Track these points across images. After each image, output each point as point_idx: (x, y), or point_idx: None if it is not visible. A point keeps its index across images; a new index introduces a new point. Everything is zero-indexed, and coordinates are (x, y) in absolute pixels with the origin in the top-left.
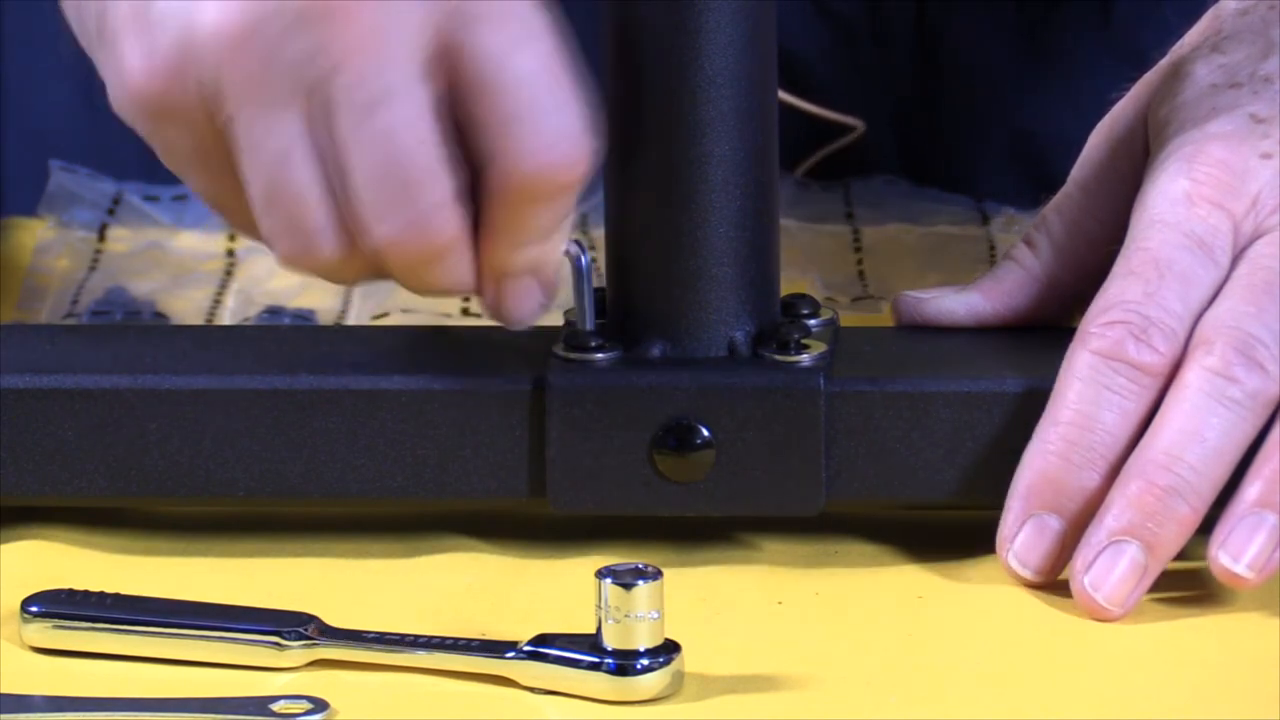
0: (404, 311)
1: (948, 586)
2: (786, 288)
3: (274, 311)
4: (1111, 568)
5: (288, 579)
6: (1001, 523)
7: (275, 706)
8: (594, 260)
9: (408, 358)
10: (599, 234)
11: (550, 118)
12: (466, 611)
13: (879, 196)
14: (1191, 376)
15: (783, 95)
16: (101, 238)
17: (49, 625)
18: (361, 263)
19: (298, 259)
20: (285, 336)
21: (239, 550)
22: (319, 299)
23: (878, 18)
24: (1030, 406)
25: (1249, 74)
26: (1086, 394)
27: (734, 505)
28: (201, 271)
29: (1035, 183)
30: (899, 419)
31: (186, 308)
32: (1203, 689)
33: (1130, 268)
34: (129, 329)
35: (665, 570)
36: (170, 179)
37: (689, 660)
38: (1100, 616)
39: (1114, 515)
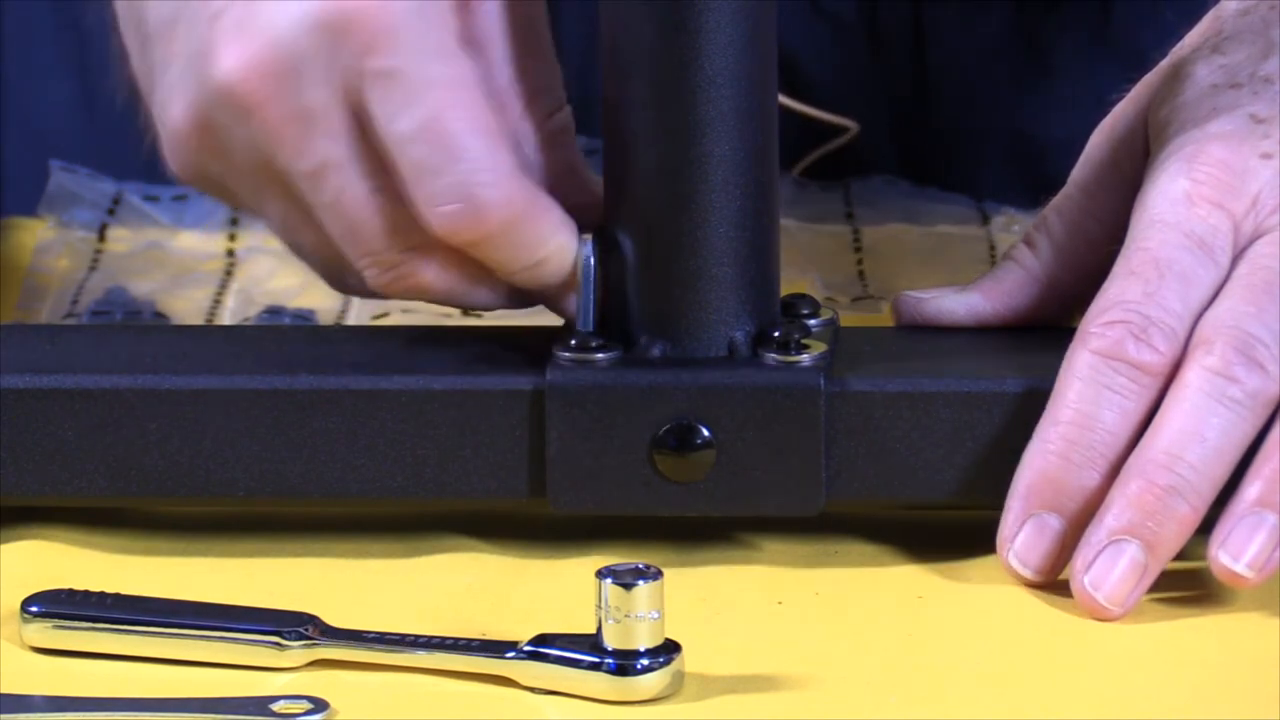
0: (404, 311)
1: (948, 586)
2: (786, 288)
3: (274, 311)
4: (1112, 567)
5: (288, 579)
6: (1002, 522)
7: (275, 706)
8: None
9: (408, 358)
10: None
11: (434, 180)
12: (466, 611)
13: (879, 196)
14: (1191, 376)
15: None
16: (101, 238)
17: (49, 625)
18: (445, 262)
19: (382, 272)
20: (285, 336)
21: (239, 550)
22: (319, 299)
23: (875, 18)
24: (1030, 406)
25: (1249, 74)
26: (1087, 393)
27: (734, 505)
28: (201, 271)
29: (1034, 183)
30: (899, 419)
31: (186, 308)
32: (1203, 689)
33: (1130, 268)
34: (129, 329)
35: (665, 570)
36: (171, 179)
37: (689, 660)
38: (1100, 616)
39: (1114, 515)
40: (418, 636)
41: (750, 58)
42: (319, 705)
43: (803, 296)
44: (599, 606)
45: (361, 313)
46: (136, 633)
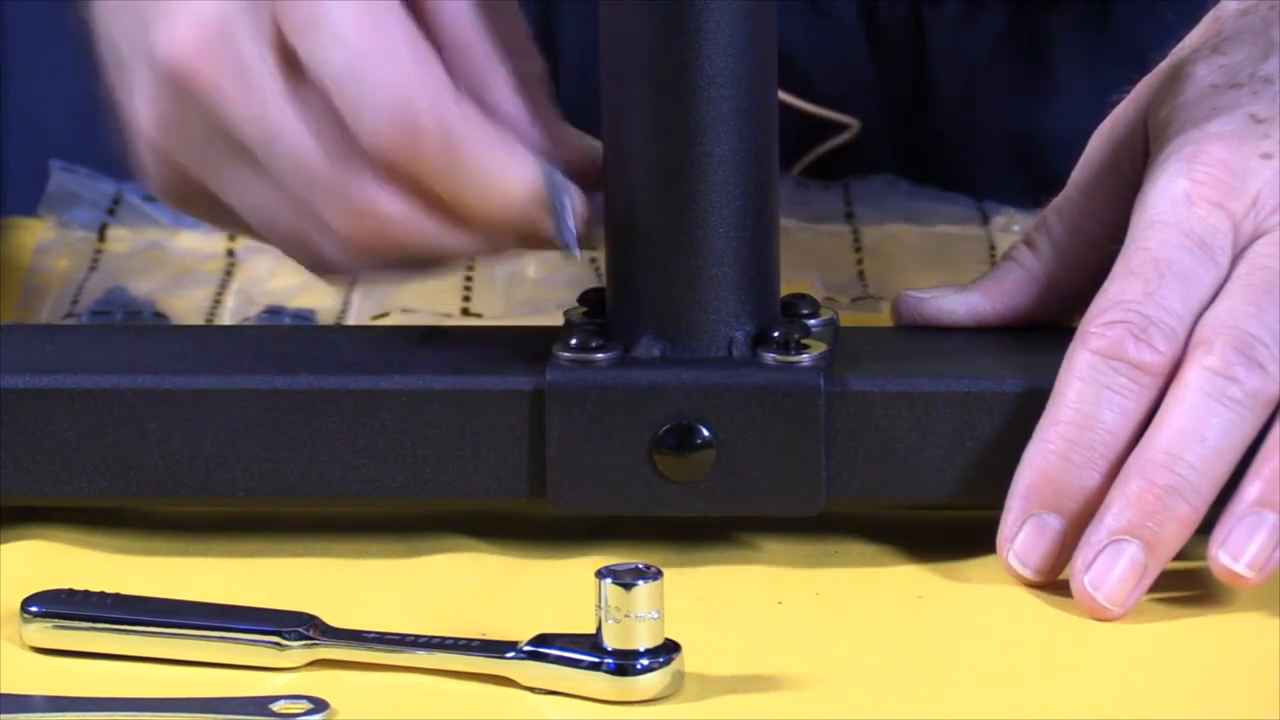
0: (404, 311)
1: (948, 586)
2: (786, 288)
3: (274, 311)
4: (1112, 567)
5: (288, 579)
6: (1002, 522)
7: (275, 706)
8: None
9: (408, 358)
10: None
11: (368, 107)
12: (466, 611)
13: (879, 196)
14: (1191, 376)
15: (780, 94)
16: (101, 238)
17: (49, 625)
18: (406, 196)
19: (345, 214)
20: (285, 336)
21: (239, 550)
22: (319, 299)
23: (874, 17)
24: (1030, 406)
25: (1249, 74)
26: (1087, 393)
27: (734, 505)
28: (201, 271)
29: (1035, 182)
30: (899, 419)
31: (186, 308)
32: (1203, 689)
33: (1130, 268)
34: (129, 329)
35: (665, 570)
36: None
37: (689, 660)
38: (1100, 616)
39: (1114, 514)
40: (418, 636)
41: (750, 58)
42: (319, 705)
43: (803, 296)
44: (599, 606)
45: (361, 313)
46: (136, 633)
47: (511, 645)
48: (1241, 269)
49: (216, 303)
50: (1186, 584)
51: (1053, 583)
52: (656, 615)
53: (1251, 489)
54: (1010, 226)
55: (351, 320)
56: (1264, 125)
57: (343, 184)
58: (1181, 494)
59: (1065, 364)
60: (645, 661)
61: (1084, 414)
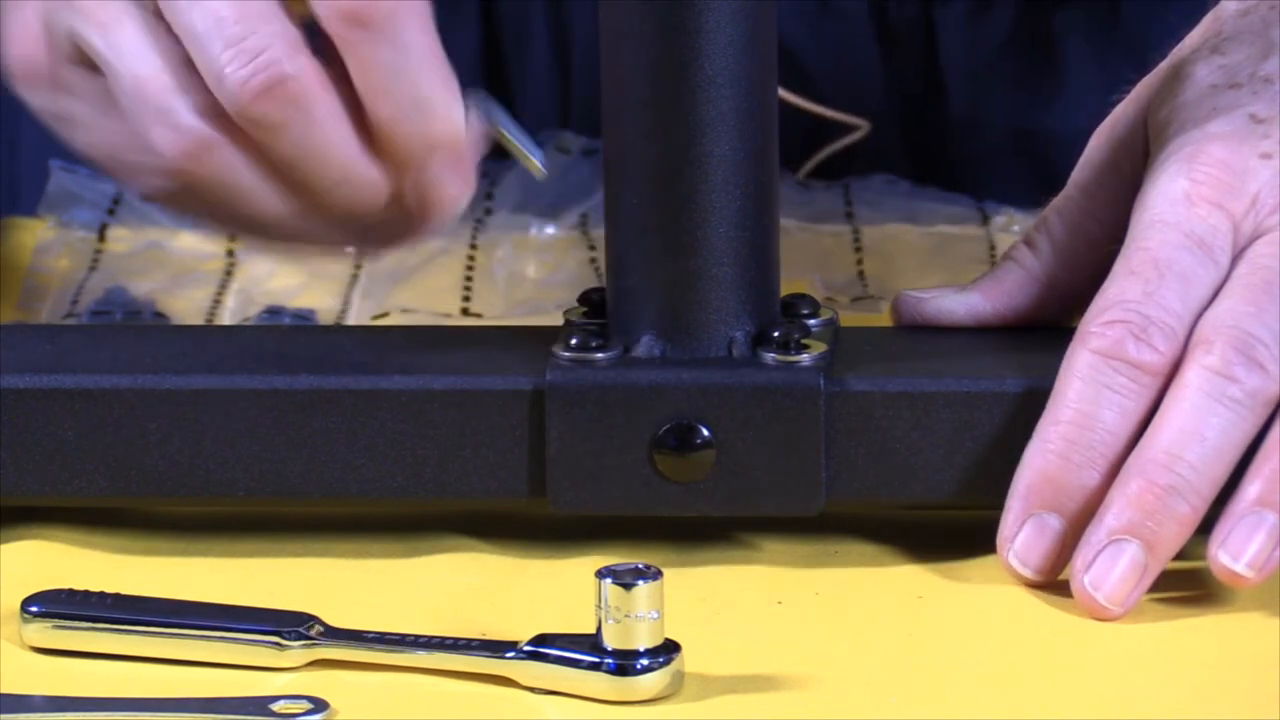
0: (404, 311)
1: (948, 586)
2: (786, 288)
3: (274, 311)
4: (1112, 567)
5: (288, 579)
6: (1002, 522)
7: (275, 706)
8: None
9: (408, 358)
10: (599, 234)
11: (228, 53)
12: (466, 611)
13: (879, 196)
14: (1191, 376)
15: (789, 96)
16: (101, 238)
17: (49, 625)
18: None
19: (177, 150)
20: (285, 336)
21: (239, 550)
22: (319, 299)
23: (884, 15)
24: (1030, 406)
25: (1249, 74)
26: (1087, 393)
27: (734, 505)
28: (201, 271)
29: (1042, 179)
30: (899, 419)
31: (186, 308)
32: (1203, 689)
33: (1130, 267)
34: (129, 329)
35: (665, 570)
36: None
37: (689, 660)
38: (1100, 616)
39: (1114, 514)
40: (418, 636)
41: (750, 58)
42: (319, 705)
43: (803, 296)
44: (599, 606)
45: (361, 313)
46: (136, 633)
47: (511, 645)
48: (1241, 269)
49: (216, 303)
50: (1186, 584)
51: (1053, 583)
52: (656, 615)
53: (1251, 489)
54: (1010, 226)
55: (351, 320)
56: (1264, 125)
57: (174, 108)
58: (1181, 494)
59: (1065, 364)
60: (645, 661)
61: (1084, 414)
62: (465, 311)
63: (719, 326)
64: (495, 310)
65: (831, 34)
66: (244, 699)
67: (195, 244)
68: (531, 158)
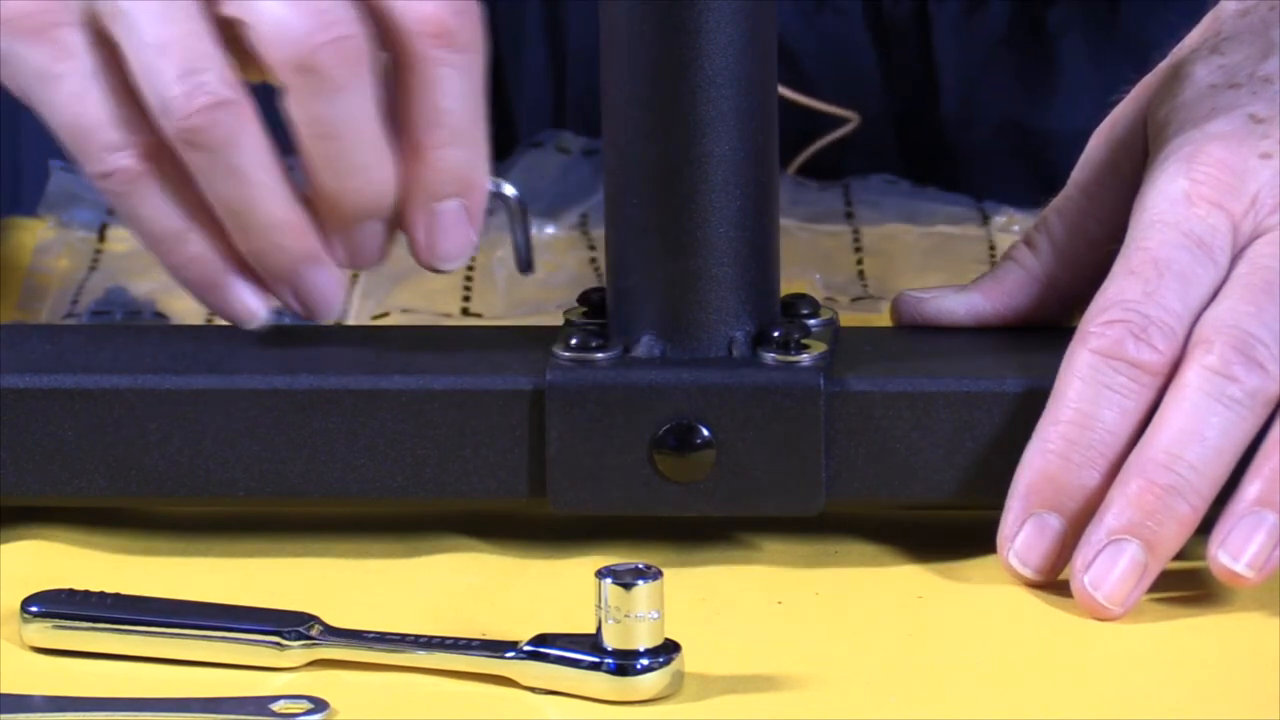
0: (404, 311)
1: (948, 586)
2: (786, 288)
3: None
4: (1112, 566)
5: (288, 579)
6: (1002, 522)
7: (275, 706)
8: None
9: (408, 358)
10: (599, 234)
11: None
12: (466, 611)
13: (879, 196)
14: (1191, 375)
15: (780, 89)
16: (101, 238)
17: (49, 625)
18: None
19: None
20: (285, 336)
21: (239, 550)
22: None
23: (879, 12)
24: (1030, 406)
25: (1248, 74)
26: (1086, 393)
27: (734, 505)
28: None
29: (1040, 178)
30: (899, 419)
31: (186, 308)
32: (1203, 689)
33: (1130, 267)
34: (129, 329)
35: (665, 570)
36: None
37: (689, 660)
38: (1100, 615)
39: (1114, 514)
40: (418, 636)
41: (750, 58)
42: (319, 705)
43: (803, 296)
44: (599, 606)
45: (361, 313)
46: (136, 633)
47: (511, 645)
48: (1241, 269)
49: None
50: (1186, 584)
51: (1053, 582)
52: (656, 615)
53: (1251, 488)
54: (1010, 226)
55: (351, 320)
56: (1263, 125)
57: (120, 148)
58: (1181, 493)
59: (1065, 363)
60: (645, 661)
61: (1084, 413)
62: (465, 311)
63: (719, 326)
64: (495, 310)
65: (827, 30)
66: (244, 699)
67: None
68: (524, 255)
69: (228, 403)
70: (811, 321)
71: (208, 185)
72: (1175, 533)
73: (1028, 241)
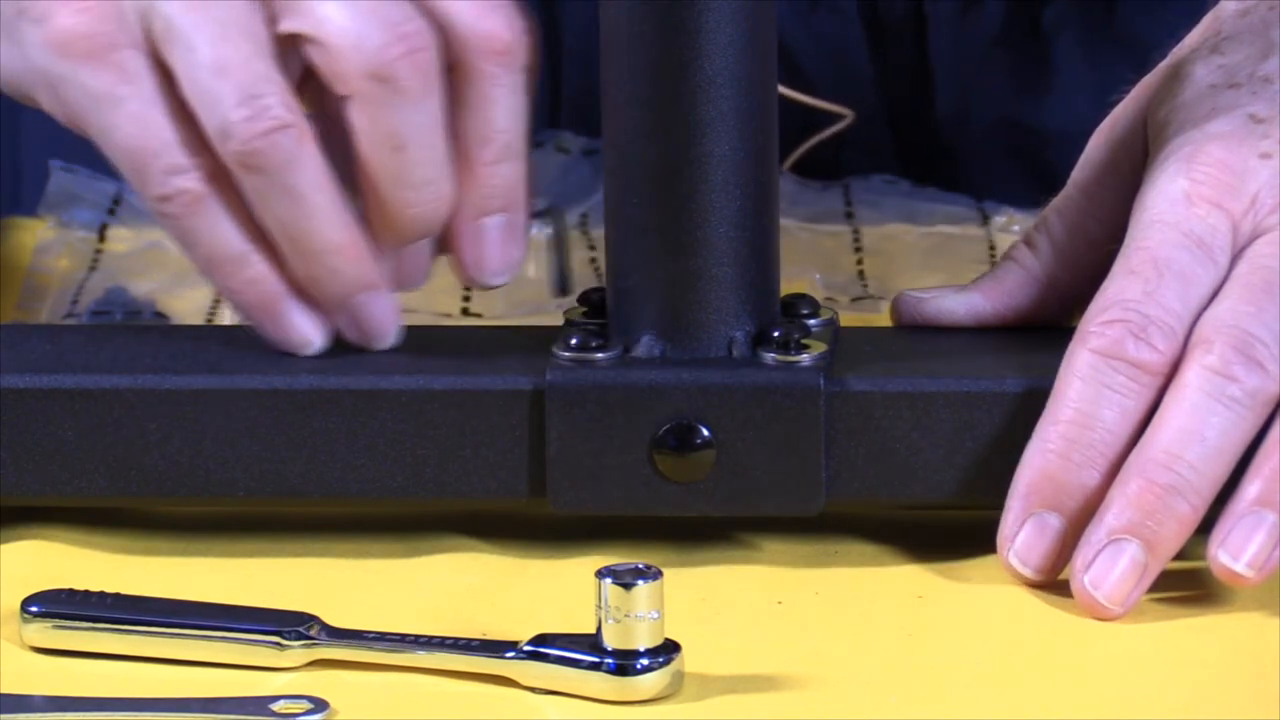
0: (404, 311)
1: (948, 586)
2: (786, 288)
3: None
4: (1112, 566)
5: (288, 579)
6: (1002, 522)
7: (275, 706)
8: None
9: (408, 358)
10: (599, 234)
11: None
12: (466, 611)
13: (879, 196)
14: (1191, 375)
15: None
16: (101, 238)
17: (49, 625)
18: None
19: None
20: None
21: (239, 550)
22: None
23: (875, 11)
24: (1030, 406)
25: (1248, 74)
26: (1086, 393)
27: (734, 505)
28: None
29: (1036, 176)
30: (899, 419)
31: (186, 308)
32: (1203, 689)
33: (1130, 267)
34: (129, 329)
35: (665, 570)
36: None
37: (689, 660)
38: (1100, 615)
39: (1114, 514)
40: (418, 636)
41: (750, 58)
42: (319, 705)
43: (803, 296)
44: (599, 606)
45: None
46: (136, 633)
47: (511, 645)
48: (1241, 268)
49: (216, 303)
50: (1186, 584)
51: (1053, 582)
52: (656, 615)
53: (1251, 488)
54: (1010, 226)
55: None
56: (1263, 125)
57: (171, 168)
58: (1181, 493)
59: (1065, 363)
60: (645, 661)
61: (1084, 413)
62: (465, 311)
63: (719, 326)
64: (495, 310)
65: (823, 29)
66: (244, 699)
67: None
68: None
69: (228, 403)
70: (811, 321)
71: (265, 209)
72: (1175, 532)
73: (1028, 241)
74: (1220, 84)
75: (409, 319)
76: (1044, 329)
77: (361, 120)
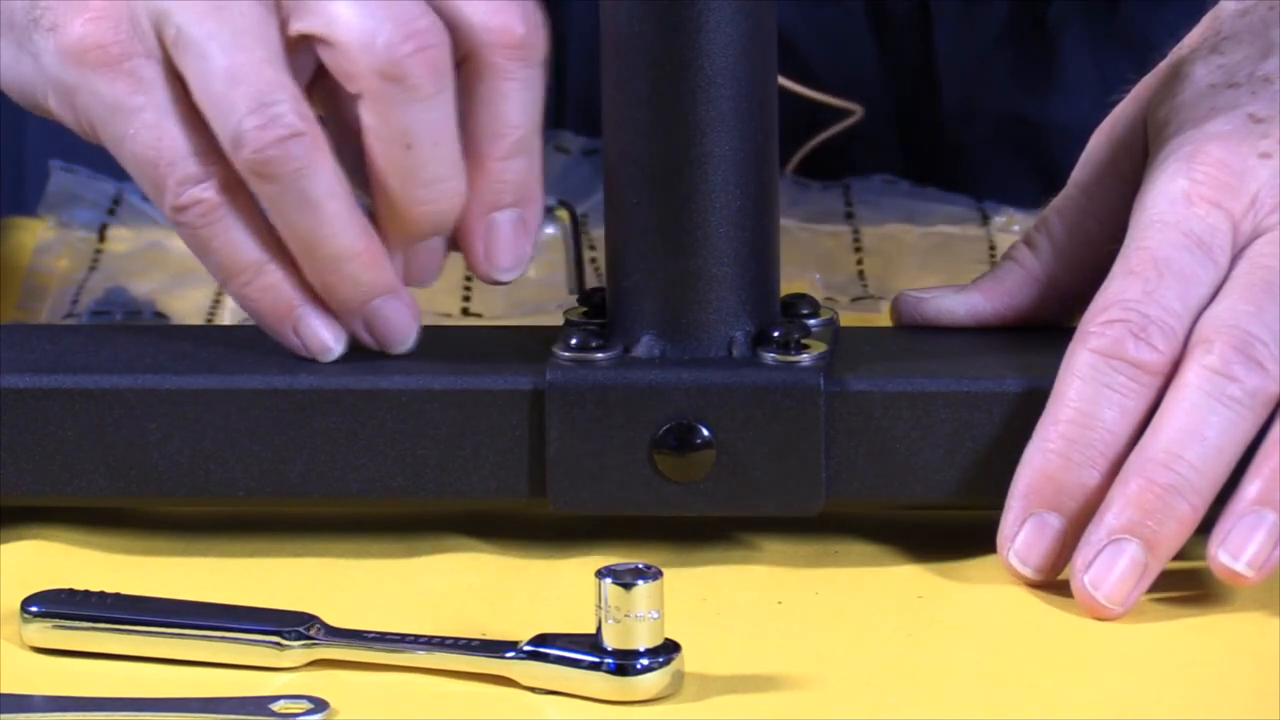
0: None
1: (948, 586)
2: (786, 288)
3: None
4: (1112, 566)
5: (288, 579)
6: (1002, 522)
7: (275, 706)
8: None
9: (408, 358)
10: (599, 234)
11: (236, 112)
12: (466, 611)
13: (879, 196)
14: (1191, 375)
15: (782, 81)
16: (101, 238)
17: (49, 625)
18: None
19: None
20: None
21: (239, 550)
22: None
23: (881, 6)
24: (1030, 406)
25: (1248, 74)
26: (1086, 392)
27: (734, 505)
28: (201, 272)
29: (1041, 172)
30: (899, 419)
31: (186, 308)
32: (1203, 689)
33: (1130, 267)
34: (129, 329)
35: (665, 570)
36: None
37: (689, 660)
38: (1100, 615)
39: (1114, 513)
40: (418, 636)
41: (750, 57)
42: (319, 705)
43: (803, 296)
44: (599, 606)
45: None
46: (136, 633)
47: (511, 645)
48: (1241, 268)
49: (216, 303)
50: (1186, 584)
51: (1053, 582)
52: (656, 615)
53: (1251, 488)
54: (1010, 226)
55: None
56: (1263, 125)
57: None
58: (1181, 493)
59: (1065, 363)
60: (645, 661)
61: (1084, 413)
62: (465, 311)
63: (719, 326)
64: (495, 310)
65: (828, 24)
66: (244, 699)
67: None
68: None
69: (228, 403)
70: (811, 321)
71: (279, 216)
72: (1175, 532)
73: (1028, 241)
74: (1220, 84)
75: None
76: (1044, 329)
77: (373, 119)
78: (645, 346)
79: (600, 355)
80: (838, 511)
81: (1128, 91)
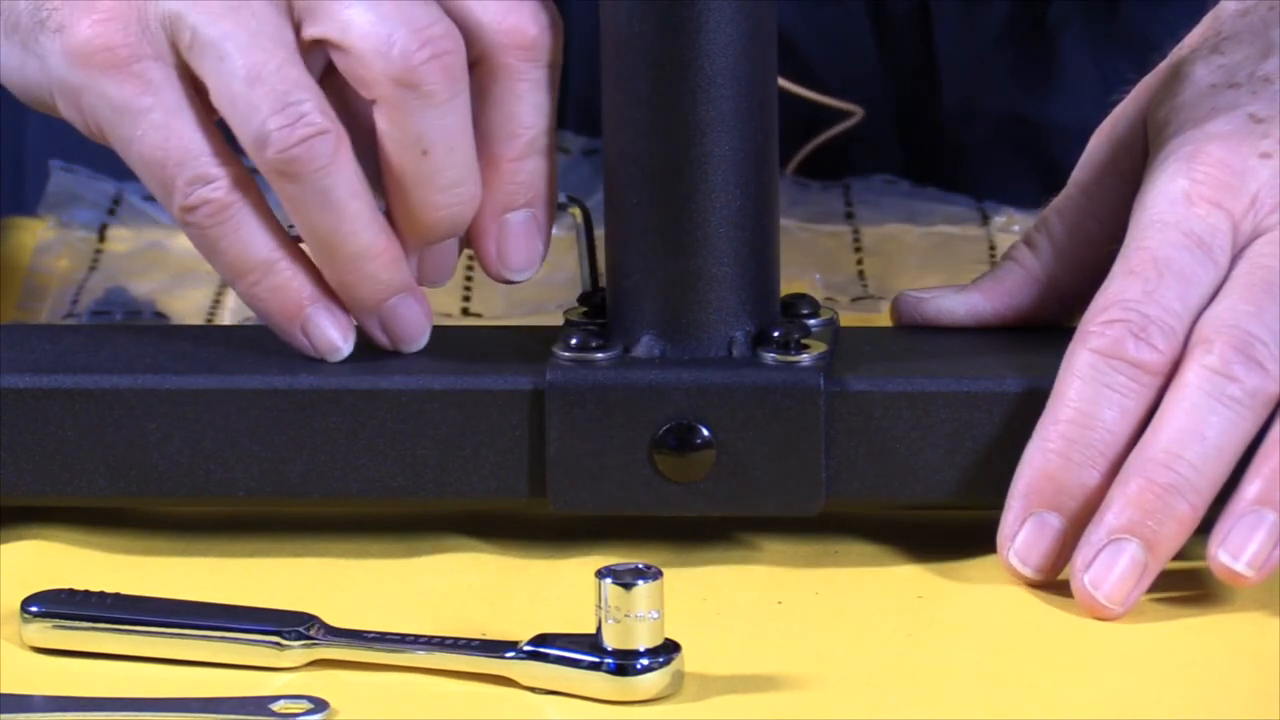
0: None
1: (948, 586)
2: (786, 288)
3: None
4: (1111, 566)
5: (288, 579)
6: (1002, 521)
7: (275, 706)
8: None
9: (408, 358)
10: (599, 234)
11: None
12: (466, 611)
13: (879, 196)
14: (1191, 375)
15: (783, 82)
16: (101, 238)
17: (49, 625)
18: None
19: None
20: None
21: (239, 550)
22: None
23: (881, 5)
24: (1030, 406)
25: (1248, 74)
26: (1086, 392)
27: (734, 505)
28: (201, 271)
29: (1041, 172)
30: (899, 419)
31: (186, 308)
32: (1203, 689)
33: (1130, 267)
34: (129, 329)
35: (665, 570)
36: None
37: (689, 660)
38: (1100, 615)
39: (1114, 513)
40: (418, 636)
41: (750, 58)
42: (319, 705)
43: (803, 296)
44: (599, 606)
45: None
46: (136, 633)
47: (511, 645)
48: (1241, 268)
49: (216, 303)
50: (1186, 584)
51: (1053, 582)
52: (656, 615)
53: (1251, 488)
54: (1010, 226)
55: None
56: (1263, 125)
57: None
58: (1181, 493)
59: (1065, 363)
60: (645, 661)
61: (1084, 413)
62: (465, 311)
63: (719, 326)
64: (495, 310)
65: (827, 22)
66: (244, 699)
67: None
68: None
69: (228, 403)
70: (811, 321)
71: (300, 215)
72: (1175, 532)
73: (1028, 241)
74: (1220, 84)
75: None
76: (1044, 329)
77: (388, 125)
78: (645, 346)
79: (600, 355)
80: (838, 511)
81: (1128, 91)
